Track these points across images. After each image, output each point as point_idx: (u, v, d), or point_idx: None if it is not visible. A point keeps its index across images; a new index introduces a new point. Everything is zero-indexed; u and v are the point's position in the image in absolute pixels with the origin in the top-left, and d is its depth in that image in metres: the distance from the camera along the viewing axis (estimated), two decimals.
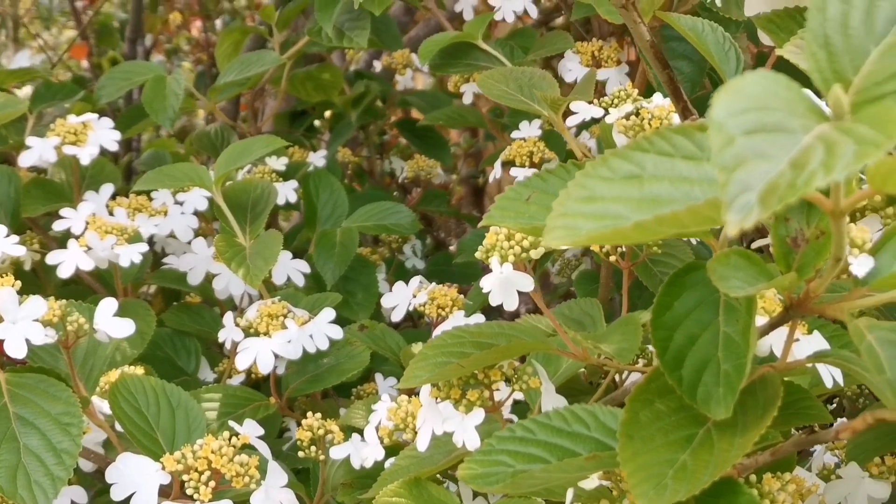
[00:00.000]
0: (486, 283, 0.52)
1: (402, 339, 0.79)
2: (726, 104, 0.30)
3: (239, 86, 0.98)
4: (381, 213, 0.92)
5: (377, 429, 0.60)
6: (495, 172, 0.87)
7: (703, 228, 0.36)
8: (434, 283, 0.74)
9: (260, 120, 1.14)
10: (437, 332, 0.66)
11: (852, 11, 0.33)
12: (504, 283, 0.52)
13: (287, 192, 0.93)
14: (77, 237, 0.76)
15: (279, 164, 0.95)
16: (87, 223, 0.77)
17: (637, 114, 0.63)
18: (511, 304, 0.52)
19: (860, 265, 0.40)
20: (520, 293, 0.53)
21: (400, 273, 1.07)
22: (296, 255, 0.87)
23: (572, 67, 0.88)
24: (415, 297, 0.74)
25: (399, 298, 0.75)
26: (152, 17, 1.49)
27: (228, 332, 0.72)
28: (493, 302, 0.52)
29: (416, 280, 0.75)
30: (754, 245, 0.51)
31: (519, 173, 0.83)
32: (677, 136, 0.36)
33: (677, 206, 0.34)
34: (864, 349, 0.38)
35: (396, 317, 0.75)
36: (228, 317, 0.72)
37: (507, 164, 0.85)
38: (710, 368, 0.41)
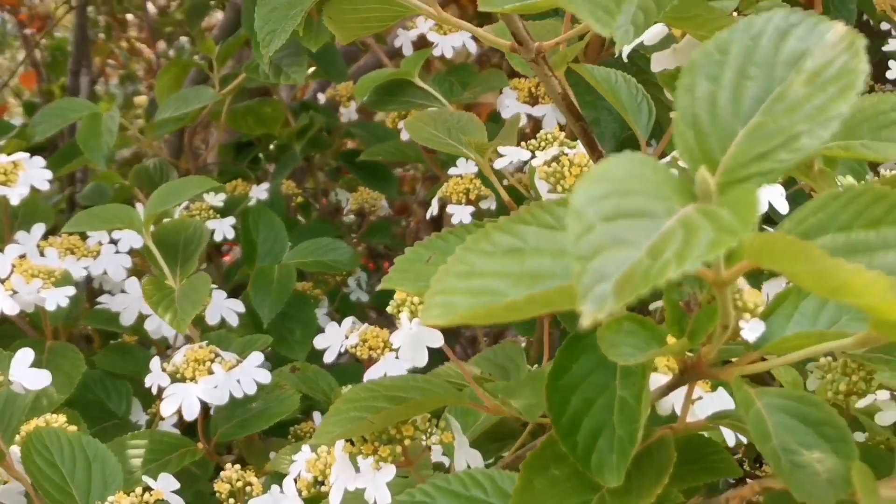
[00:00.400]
0: (395, 339, 0.52)
1: (334, 381, 0.78)
2: (587, 190, 0.30)
3: (177, 121, 0.98)
4: (320, 250, 0.91)
5: (296, 480, 0.59)
6: (432, 209, 0.87)
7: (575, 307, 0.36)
8: (366, 324, 0.74)
9: (204, 151, 1.13)
10: (368, 374, 0.66)
11: (720, 91, 0.33)
12: (413, 339, 0.51)
13: (224, 228, 0.92)
14: (3, 280, 0.75)
15: (217, 200, 0.94)
16: (14, 266, 0.76)
17: (558, 160, 0.63)
18: (421, 361, 0.52)
19: (751, 330, 0.40)
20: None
21: (344, 305, 1.07)
22: (236, 291, 0.87)
23: (509, 104, 0.88)
24: (347, 338, 0.74)
25: (331, 339, 0.74)
26: (103, 45, 1.48)
27: (155, 377, 0.71)
28: (403, 357, 0.52)
29: (348, 321, 0.75)
30: (653, 306, 0.52)
31: (455, 211, 0.83)
32: (560, 207, 0.36)
33: (555, 283, 0.34)
34: (751, 418, 0.38)
35: (329, 358, 0.74)
36: (155, 362, 0.72)
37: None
38: (605, 434, 0.41)
